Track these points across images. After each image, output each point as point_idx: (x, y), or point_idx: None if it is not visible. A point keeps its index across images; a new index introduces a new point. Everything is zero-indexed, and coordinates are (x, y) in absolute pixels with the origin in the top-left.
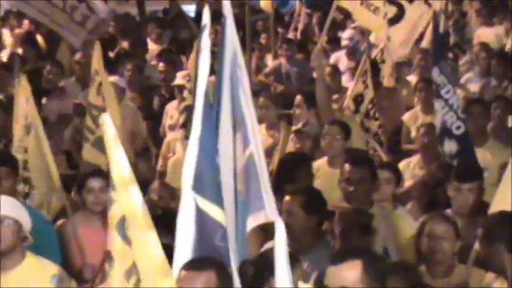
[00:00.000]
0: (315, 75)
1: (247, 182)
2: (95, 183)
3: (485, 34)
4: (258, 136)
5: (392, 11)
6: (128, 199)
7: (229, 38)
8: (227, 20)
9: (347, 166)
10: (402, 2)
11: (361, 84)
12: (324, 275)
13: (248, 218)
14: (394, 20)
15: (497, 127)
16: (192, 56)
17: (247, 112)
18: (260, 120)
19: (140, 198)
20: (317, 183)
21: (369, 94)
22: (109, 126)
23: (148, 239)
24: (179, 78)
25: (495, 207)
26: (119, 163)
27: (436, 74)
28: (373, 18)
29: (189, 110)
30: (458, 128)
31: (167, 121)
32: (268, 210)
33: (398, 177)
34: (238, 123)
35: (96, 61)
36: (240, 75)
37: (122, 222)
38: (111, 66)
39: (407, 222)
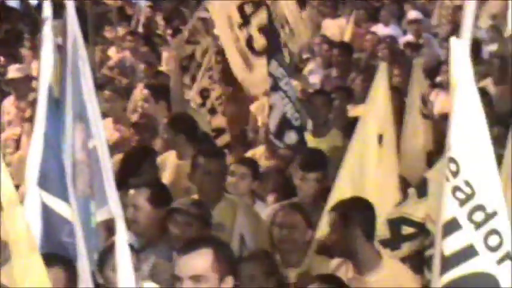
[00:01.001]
0: (162, 67)
1: (91, 176)
2: None
3: (329, 26)
4: (102, 130)
5: None
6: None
7: (70, 30)
8: (68, 12)
9: (200, 158)
10: None
11: (207, 79)
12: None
13: (94, 213)
14: None
15: (338, 117)
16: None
17: (90, 105)
18: (106, 114)
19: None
20: (165, 175)
21: (216, 90)
22: None
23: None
24: (13, 72)
25: (335, 195)
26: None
27: (274, 67)
28: None
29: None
30: (296, 119)
31: (4, 117)
32: (111, 206)
33: (255, 171)
34: (80, 117)
35: None
36: (83, 68)
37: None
38: None
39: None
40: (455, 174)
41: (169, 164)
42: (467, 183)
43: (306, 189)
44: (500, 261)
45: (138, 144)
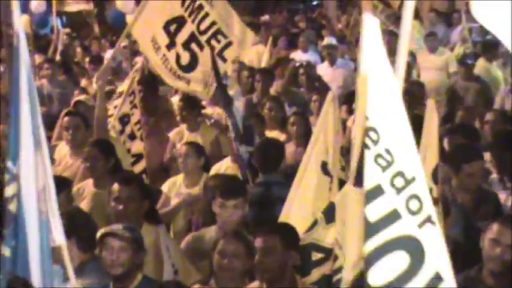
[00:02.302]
0: (80, 97)
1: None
2: None
3: (247, 52)
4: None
5: None
6: None
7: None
8: (20, 44)
9: (116, 185)
10: None
11: (128, 104)
12: None
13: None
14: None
15: None
16: None
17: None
18: None
19: None
20: (83, 204)
21: (136, 115)
22: None
23: None
24: None
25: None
26: None
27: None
28: None
29: None
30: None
31: None
32: (54, 233)
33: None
34: (38, 144)
35: None
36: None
37: None
38: None
39: None
40: (375, 142)
41: (87, 193)
42: (388, 151)
43: (225, 216)
44: (422, 224)
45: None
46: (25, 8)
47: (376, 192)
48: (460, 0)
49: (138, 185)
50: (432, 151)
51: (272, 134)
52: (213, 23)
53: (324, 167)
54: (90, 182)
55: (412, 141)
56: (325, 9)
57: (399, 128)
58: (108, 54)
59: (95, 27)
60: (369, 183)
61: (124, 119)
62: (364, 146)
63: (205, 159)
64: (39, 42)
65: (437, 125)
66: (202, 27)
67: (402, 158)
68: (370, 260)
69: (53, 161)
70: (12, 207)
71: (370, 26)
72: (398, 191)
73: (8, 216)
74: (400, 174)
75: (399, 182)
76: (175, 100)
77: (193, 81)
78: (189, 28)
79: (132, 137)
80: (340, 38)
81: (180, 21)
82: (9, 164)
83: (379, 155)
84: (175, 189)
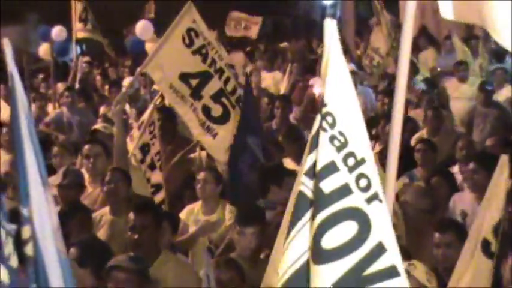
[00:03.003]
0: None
1: None
2: None
3: (265, 78)
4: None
5: None
6: None
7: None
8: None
9: (131, 214)
10: None
11: (148, 134)
12: None
13: None
14: None
15: None
16: None
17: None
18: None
19: None
20: (100, 233)
21: (156, 145)
22: None
23: None
24: None
25: None
26: None
27: None
28: None
29: None
30: None
31: None
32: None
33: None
34: (46, 183)
35: None
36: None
37: None
38: None
39: None
40: (332, 126)
41: (104, 221)
42: (341, 134)
43: (244, 243)
44: (369, 200)
45: (65, 203)
46: (46, 36)
47: (331, 168)
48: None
49: (153, 213)
50: (497, 205)
51: (289, 162)
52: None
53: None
54: (106, 209)
55: (363, 127)
56: (343, 36)
57: (352, 114)
58: (126, 82)
59: (111, 54)
60: (324, 160)
61: (144, 148)
62: (322, 128)
63: (223, 186)
64: (61, 70)
65: (506, 182)
66: (229, 88)
67: (354, 140)
68: (324, 227)
69: (83, 188)
70: (29, 250)
71: (330, 28)
72: (350, 169)
73: (26, 260)
74: (352, 154)
75: (351, 161)
76: None
77: (221, 136)
78: (216, 84)
79: (152, 167)
80: (359, 64)
81: (203, 76)
82: (20, 207)
83: (334, 137)
84: (193, 216)
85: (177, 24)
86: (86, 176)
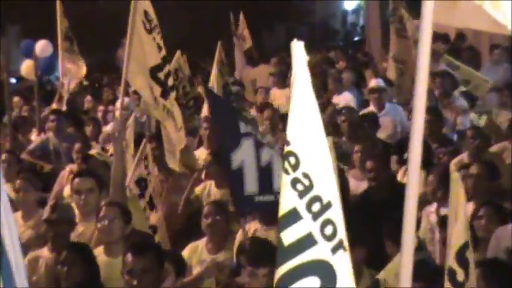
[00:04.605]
0: (92, 151)
1: None
2: None
3: (277, 96)
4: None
5: None
6: None
7: None
8: None
9: (129, 256)
10: None
11: (143, 168)
12: None
13: None
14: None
15: None
16: None
17: None
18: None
19: None
20: None
21: (152, 182)
22: None
23: None
24: None
25: None
26: None
27: None
28: None
29: None
30: None
31: None
32: None
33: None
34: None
35: None
36: None
37: None
38: None
39: None
40: (294, 167)
41: (99, 262)
42: (306, 175)
43: (255, 285)
44: (334, 249)
45: (53, 241)
46: (29, 52)
47: (293, 216)
48: None
49: (154, 254)
50: (461, 227)
51: None
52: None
53: None
54: (101, 249)
55: (331, 167)
56: (368, 47)
57: (319, 152)
58: (118, 104)
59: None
60: (286, 207)
61: (141, 183)
62: (284, 170)
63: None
64: (45, 89)
65: (465, 201)
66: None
67: (320, 182)
68: (284, 283)
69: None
70: None
71: (298, 52)
72: (315, 216)
73: None
74: (317, 199)
75: (316, 206)
76: (200, 153)
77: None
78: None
79: (151, 206)
80: (386, 79)
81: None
82: None
83: (297, 180)
84: (197, 255)
85: (134, 8)
86: (76, 212)
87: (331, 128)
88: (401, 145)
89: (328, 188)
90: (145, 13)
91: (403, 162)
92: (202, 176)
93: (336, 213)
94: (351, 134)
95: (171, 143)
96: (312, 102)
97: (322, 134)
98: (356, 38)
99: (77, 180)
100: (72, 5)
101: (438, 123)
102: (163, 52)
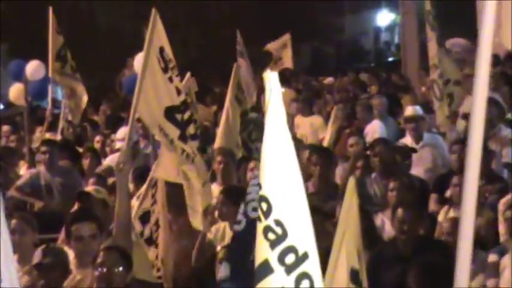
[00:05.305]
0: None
1: None
2: None
3: (300, 124)
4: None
5: None
6: None
7: None
8: None
9: None
10: None
11: (150, 198)
12: None
13: None
14: None
15: None
16: None
17: None
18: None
19: None
20: None
21: (155, 213)
22: None
23: None
24: None
25: None
26: None
27: None
28: None
29: None
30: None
31: None
32: None
33: None
34: None
35: None
36: None
37: None
38: None
39: None
40: (266, 214)
41: None
42: (279, 223)
43: None
44: None
45: None
46: (19, 74)
47: (265, 269)
48: None
49: None
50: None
51: None
52: None
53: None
54: None
55: (307, 213)
56: (404, 68)
57: (294, 198)
58: (119, 134)
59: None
60: (258, 259)
61: (144, 217)
62: (258, 218)
63: None
64: (37, 117)
65: (357, 210)
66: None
67: (295, 230)
68: None
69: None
70: None
71: (272, 84)
72: (289, 269)
73: None
74: (291, 249)
75: (290, 258)
76: (212, 190)
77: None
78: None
79: (149, 241)
80: (426, 106)
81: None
82: None
83: (268, 228)
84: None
85: (150, 42)
86: (71, 257)
87: (363, 163)
88: (442, 181)
89: (304, 237)
90: (161, 50)
91: (444, 201)
92: (215, 215)
93: (313, 266)
94: (383, 171)
95: (192, 199)
96: (286, 141)
97: (297, 176)
98: (390, 59)
99: (76, 225)
100: (67, 21)
101: (486, 157)
102: (183, 97)
